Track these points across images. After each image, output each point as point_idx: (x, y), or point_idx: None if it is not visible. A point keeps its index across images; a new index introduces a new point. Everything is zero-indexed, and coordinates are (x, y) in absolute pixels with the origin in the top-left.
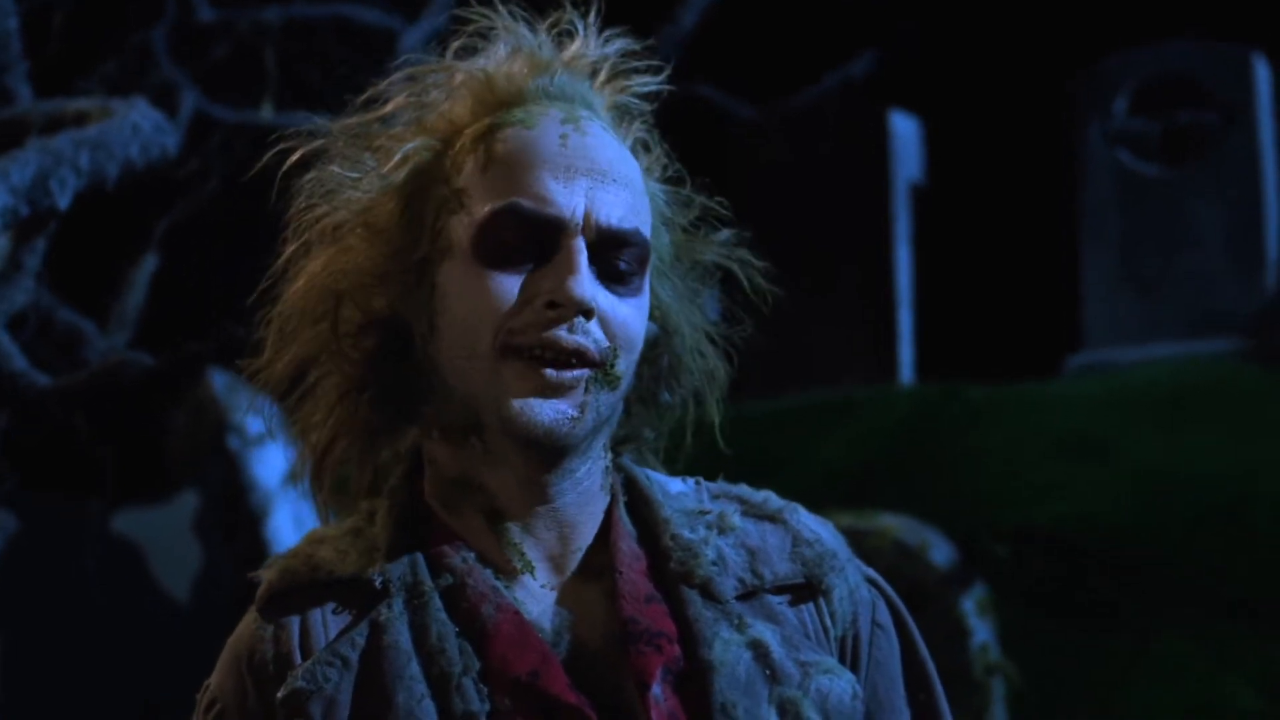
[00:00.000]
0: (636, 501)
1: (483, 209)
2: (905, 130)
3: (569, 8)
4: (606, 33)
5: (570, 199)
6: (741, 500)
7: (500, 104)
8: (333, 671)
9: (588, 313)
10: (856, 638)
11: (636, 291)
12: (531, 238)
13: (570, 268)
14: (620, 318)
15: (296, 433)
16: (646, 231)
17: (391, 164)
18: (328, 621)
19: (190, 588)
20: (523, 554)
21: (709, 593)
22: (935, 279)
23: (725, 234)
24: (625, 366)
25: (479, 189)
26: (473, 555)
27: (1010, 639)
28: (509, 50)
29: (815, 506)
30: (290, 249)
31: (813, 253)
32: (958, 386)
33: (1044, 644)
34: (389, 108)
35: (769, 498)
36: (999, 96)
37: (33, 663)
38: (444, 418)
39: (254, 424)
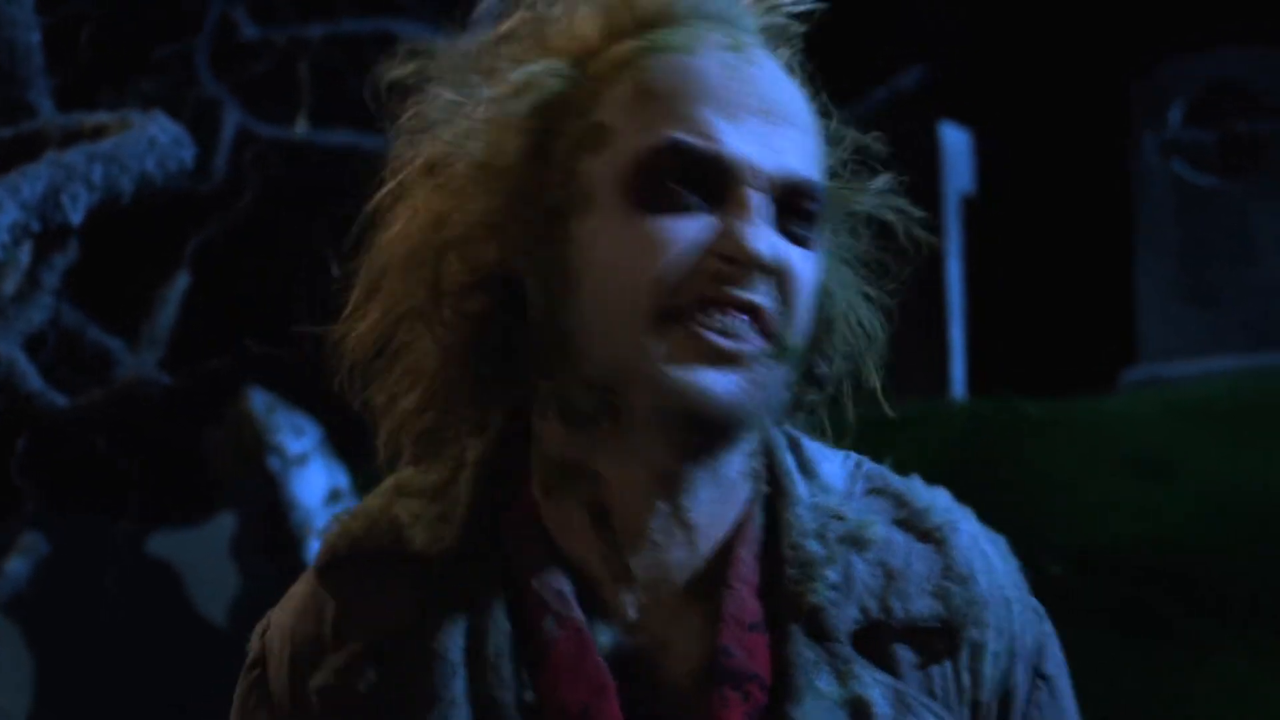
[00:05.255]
0: (774, 487)
1: (637, 146)
2: (956, 142)
3: None
4: None
5: (741, 141)
6: (899, 501)
7: (639, 24)
8: (369, 671)
9: (767, 270)
10: (1008, 696)
11: (814, 251)
12: (695, 183)
13: (748, 217)
14: (805, 279)
15: (377, 403)
16: (821, 182)
17: (510, 89)
18: (376, 605)
19: (228, 610)
20: (623, 560)
21: (817, 625)
22: (987, 292)
23: (880, 180)
24: (800, 337)
25: (629, 123)
26: (553, 553)
27: (1068, 659)
28: None
29: None
30: (385, 189)
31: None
32: (1012, 402)
33: (1103, 663)
34: (505, 26)
35: (932, 506)
36: (1051, 107)
37: (67, 687)
38: (568, 395)
39: (294, 444)
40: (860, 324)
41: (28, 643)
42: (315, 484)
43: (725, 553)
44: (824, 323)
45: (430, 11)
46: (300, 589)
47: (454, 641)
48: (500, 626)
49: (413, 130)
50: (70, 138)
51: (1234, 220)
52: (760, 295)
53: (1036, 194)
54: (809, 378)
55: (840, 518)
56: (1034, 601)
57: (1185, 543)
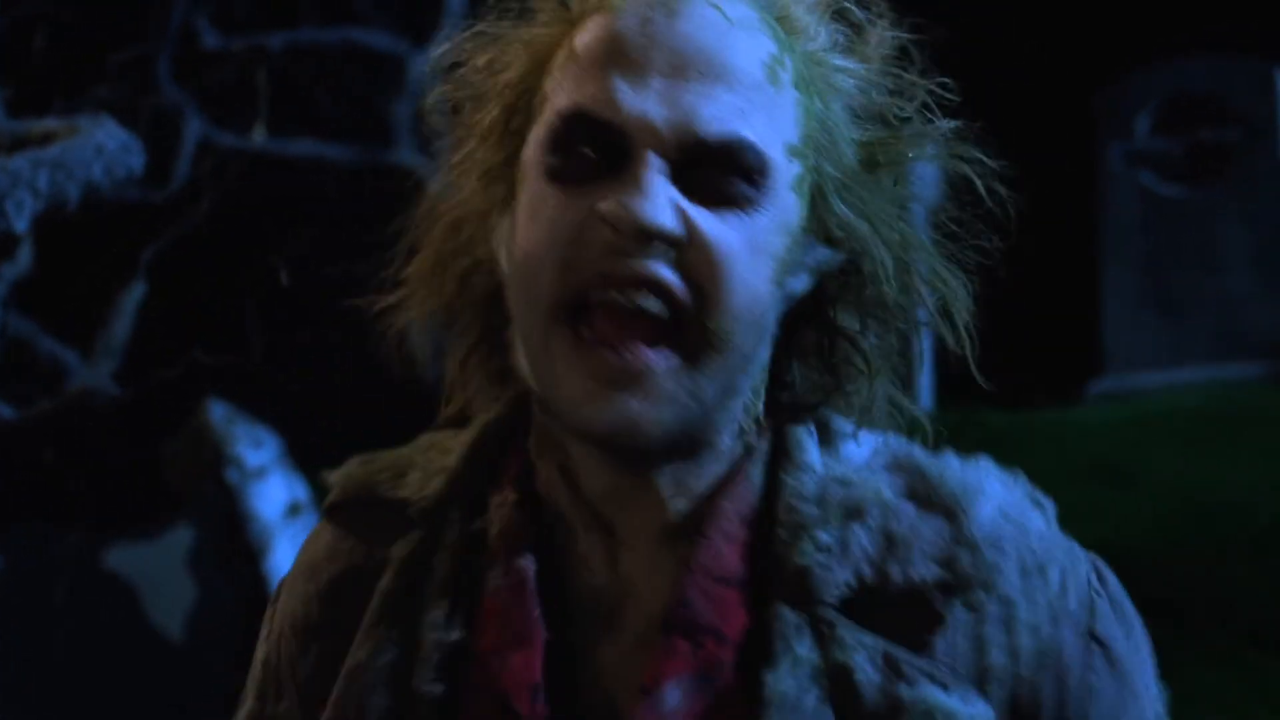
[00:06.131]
0: (777, 454)
1: (550, 114)
2: None
3: None
4: None
5: (639, 100)
6: (918, 474)
7: None
8: (319, 605)
9: (649, 235)
10: (1061, 666)
11: (755, 212)
12: (603, 153)
13: (633, 182)
14: (722, 243)
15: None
16: (766, 140)
17: (503, 67)
18: (358, 545)
19: (184, 624)
20: (594, 510)
21: (804, 589)
22: None
23: (945, 125)
24: (733, 319)
25: (554, 91)
26: (535, 505)
27: None
28: None
29: None
30: (433, 190)
31: None
32: (977, 413)
33: None
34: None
35: (944, 480)
36: (1018, 116)
37: (16, 700)
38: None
39: (253, 456)
40: (911, 286)
41: None
42: (274, 496)
43: (708, 504)
44: (867, 292)
45: (391, 21)
46: (312, 542)
47: (401, 582)
48: (449, 568)
49: (449, 144)
50: (18, 144)
51: (1200, 230)
52: (657, 265)
53: (1001, 203)
54: (837, 368)
55: (844, 483)
56: (1087, 568)
57: (1150, 552)
